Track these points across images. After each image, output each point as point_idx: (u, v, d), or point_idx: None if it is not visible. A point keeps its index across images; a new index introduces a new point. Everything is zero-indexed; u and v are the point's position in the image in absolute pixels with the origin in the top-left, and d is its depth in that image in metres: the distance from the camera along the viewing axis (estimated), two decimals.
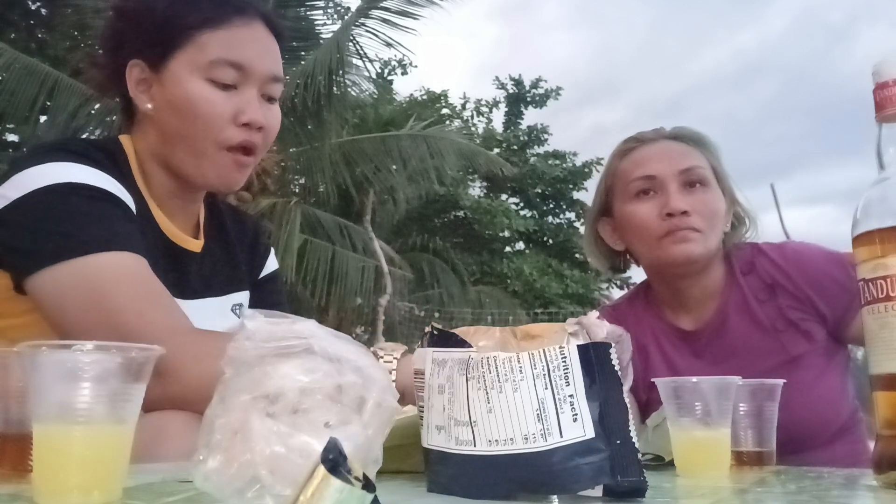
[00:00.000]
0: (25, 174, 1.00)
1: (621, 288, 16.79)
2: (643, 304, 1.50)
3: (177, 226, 1.16)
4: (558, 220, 17.67)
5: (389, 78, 15.65)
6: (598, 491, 0.59)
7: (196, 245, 1.20)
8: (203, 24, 1.09)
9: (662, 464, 0.91)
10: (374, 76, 10.15)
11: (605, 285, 17.21)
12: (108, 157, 1.08)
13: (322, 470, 0.39)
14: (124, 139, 1.15)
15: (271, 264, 1.37)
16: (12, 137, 9.35)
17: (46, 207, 0.98)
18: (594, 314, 0.74)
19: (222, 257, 1.26)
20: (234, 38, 1.10)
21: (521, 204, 17.62)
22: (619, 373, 0.61)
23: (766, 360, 1.34)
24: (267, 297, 1.32)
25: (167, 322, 0.96)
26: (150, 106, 1.11)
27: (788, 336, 1.34)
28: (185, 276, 1.16)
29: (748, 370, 1.20)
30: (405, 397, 0.80)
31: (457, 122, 17.06)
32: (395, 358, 0.96)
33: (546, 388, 0.59)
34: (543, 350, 0.60)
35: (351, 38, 7.90)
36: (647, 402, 1.41)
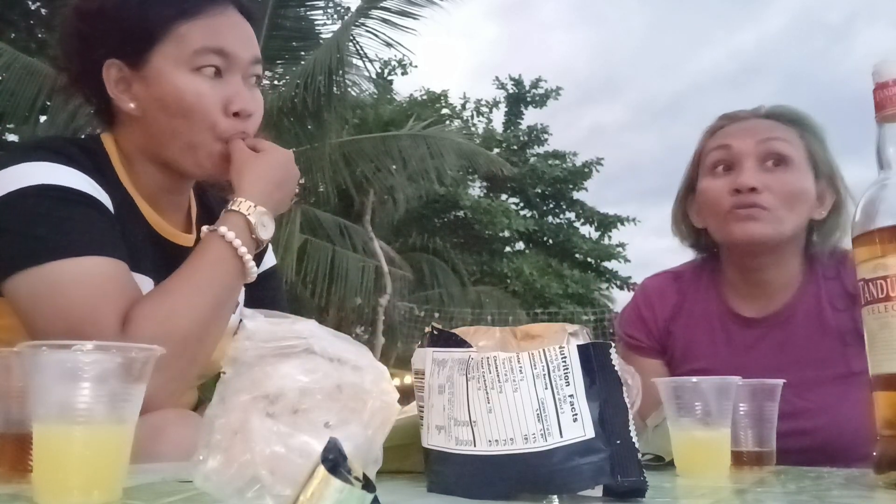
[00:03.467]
0: (1, 175, 0.99)
1: (622, 289, 16.82)
2: (707, 280, 1.44)
3: (167, 221, 1.16)
4: (558, 220, 17.67)
5: (389, 78, 15.64)
6: (598, 491, 0.59)
7: (188, 240, 1.19)
8: (180, 15, 1.08)
9: (662, 464, 0.91)
10: (374, 76, 10.14)
11: (605, 285, 17.22)
12: (88, 156, 1.07)
13: (322, 470, 0.39)
14: (105, 138, 1.14)
15: (268, 260, 1.36)
16: (12, 137, 9.35)
17: (20, 211, 0.97)
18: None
19: None
20: (212, 25, 1.09)
21: (521, 204, 17.61)
22: (620, 373, 0.61)
23: (823, 368, 1.28)
24: (264, 293, 1.32)
25: (118, 331, 0.94)
26: (133, 106, 1.10)
27: (855, 351, 1.26)
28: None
29: (801, 374, 1.17)
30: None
31: (457, 122, 17.06)
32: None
33: (546, 388, 0.59)
34: (543, 350, 0.60)
35: (351, 38, 7.89)
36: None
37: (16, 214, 0.97)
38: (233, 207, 1.05)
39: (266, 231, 1.07)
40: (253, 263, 1.05)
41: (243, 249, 1.02)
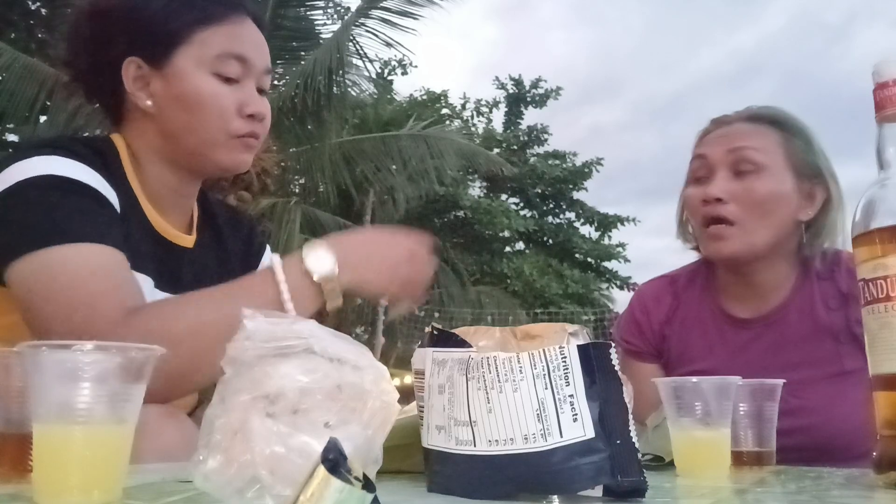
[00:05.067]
0: (11, 169, 1.01)
1: (622, 289, 16.82)
2: (701, 284, 1.44)
3: (169, 222, 1.17)
4: (558, 220, 17.67)
5: (389, 78, 15.65)
6: (598, 491, 0.59)
7: (188, 241, 1.20)
8: (203, 20, 1.12)
9: (662, 464, 0.91)
10: (374, 76, 10.14)
11: (605, 285, 17.22)
12: (96, 154, 1.08)
13: (322, 470, 0.39)
14: (116, 137, 1.15)
15: (266, 262, 1.36)
16: (12, 137, 9.35)
17: (25, 200, 0.99)
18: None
19: (215, 254, 1.26)
20: (234, 33, 1.14)
21: (521, 204, 17.61)
22: (619, 373, 0.61)
23: (817, 367, 1.29)
24: None
25: (114, 311, 0.93)
26: (149, 103, 1.12)
27: (848, 349, 1.27)
28: (177, 271, 1.16)
29: (795, 373, 1.17)
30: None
31: (457, 122, 17.06)
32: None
33: (546, 388, 0.59)
34: (543, 350, 0.60)
35: (351, 38, 7.90)
36: None
37: (21, 203, 0.99)
38: (304, 249, 1.03)
39: (329, 296, 1.01)
40: (291, 306, 0.98)
41: (286, 297, 0.98)
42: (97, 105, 1.22)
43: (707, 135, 1.40)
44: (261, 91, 1.18)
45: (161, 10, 1.12)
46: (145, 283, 1.06)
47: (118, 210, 1.05)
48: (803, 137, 1.36)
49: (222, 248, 1.28)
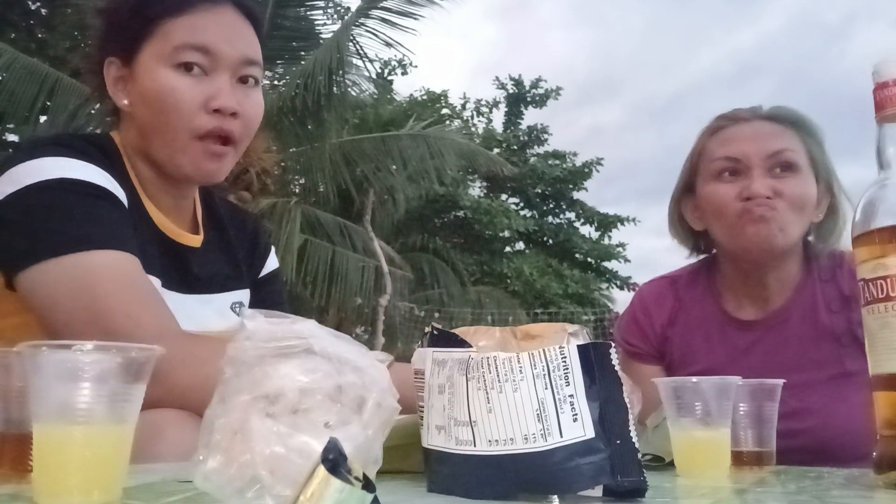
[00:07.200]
0: (20, 168, 0.99)
1: (622, 289, 16.81)
2: (704, 284, 1.44)
3: (172, 221, 1.16)
4: (558, 220, 17.67)
5: (389, 78, 15.65)
6: (598, 491, 0.59)
7: (194, 240, 1.19)
8: (166, 12, 1.07)
9: (662, 464, 0.91)
10: (374, 76, 10.14)
11: (605, 285, 17.22)
12: (102, 152, 1.07)
13: (322, 470, 0.39)
14: (115, 135, 1.15)
15: (272, 263, 1.36)
16: (12, 137, 9.35)
17: (40, 203, 0.97)
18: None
19: (221, 254, 1.25)
20: (198, 22, 1.08)
21: (521, 204, 17.61)
22: (620, 373, 0.61)
23: (818, 369, 1.29)
24: (268, 296, 1.32)
25: (156, 324, 0.94)
26: (126, 102, 1.11)
27: (850, 352, 1.27)
28: (183, 271, 1.15)
29: (796, 375, 1.16)
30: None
31: (457, 122, 17.06)
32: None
33: (546, 388, 0.59)
34: (543, 350, 0.60)
35: (351, 38, 7.90)
36: None
37: (34, 207, 0.97)
38: None
39: None
40: None
41: None
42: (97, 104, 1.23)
43: (721, 130, 1.37)
44: (243, 81, 1.11)
45: (130, 8, 1.10)
46: (153, 283, 1.06)
47: (127, 208, 1.05)
48: (818, 139, 1.36)
49: (229, 250, 1.27)
